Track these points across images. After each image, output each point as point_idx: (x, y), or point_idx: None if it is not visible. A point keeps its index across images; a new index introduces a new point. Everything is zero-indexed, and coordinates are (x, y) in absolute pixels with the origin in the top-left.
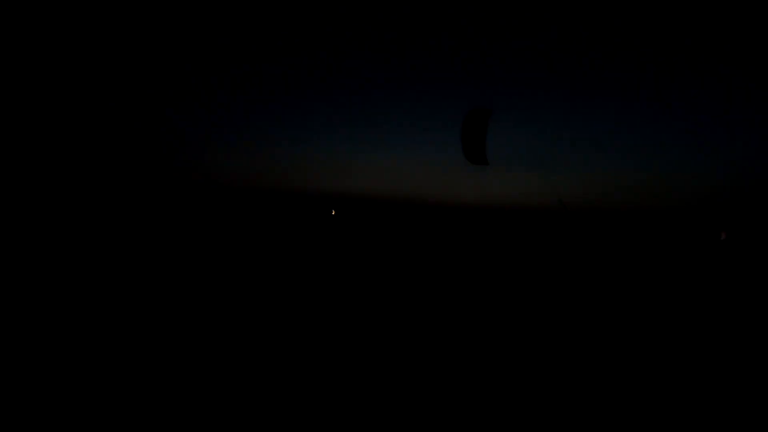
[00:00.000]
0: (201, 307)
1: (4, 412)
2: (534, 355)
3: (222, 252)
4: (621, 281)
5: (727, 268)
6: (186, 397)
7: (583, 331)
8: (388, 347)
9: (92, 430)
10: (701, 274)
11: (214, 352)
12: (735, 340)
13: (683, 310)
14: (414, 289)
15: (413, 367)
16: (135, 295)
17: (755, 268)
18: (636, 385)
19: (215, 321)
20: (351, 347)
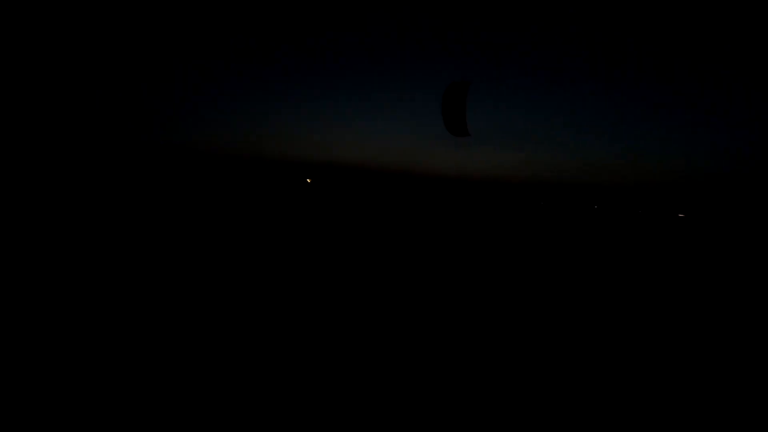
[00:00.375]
0: (184, 283)
1: (3, 412)
2: (517, 340)
3: (205, 220)
4: (597, 259)
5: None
6: (175, 380)
7: (559, 310)
8: (368, 326)
9: (92, 429)
10: (669, 252)
11: (203, 336)
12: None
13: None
14: (391, 262)
15: (394, 346)
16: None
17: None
18: (626, 376)
19: (199, 301)
20: (330, 326)
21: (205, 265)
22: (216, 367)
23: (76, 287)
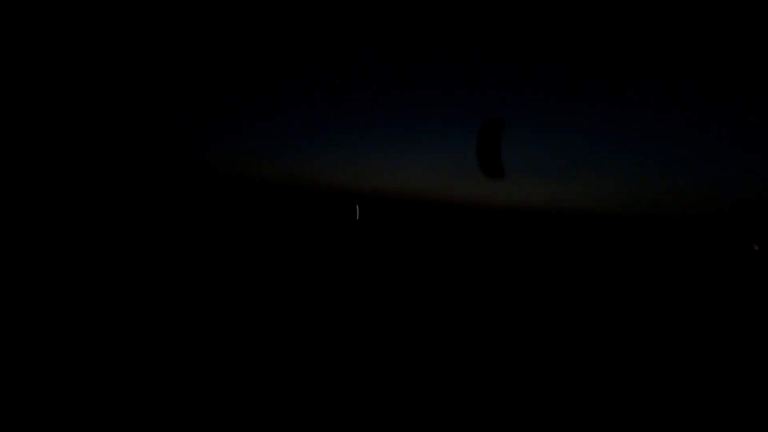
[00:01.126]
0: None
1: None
2: (537, 360)
3: (242, 249)
4: (636, 291)
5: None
6: (185, 386)
7: (591, 338)
8: (395, 347)
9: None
10: (724, 286)
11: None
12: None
13: (697, 319)
14: (423, 291)
15: (417, 367)
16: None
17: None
18: (643, 386)
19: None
20: (358, 346)
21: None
22: (227, 369)
23: (91, 285)
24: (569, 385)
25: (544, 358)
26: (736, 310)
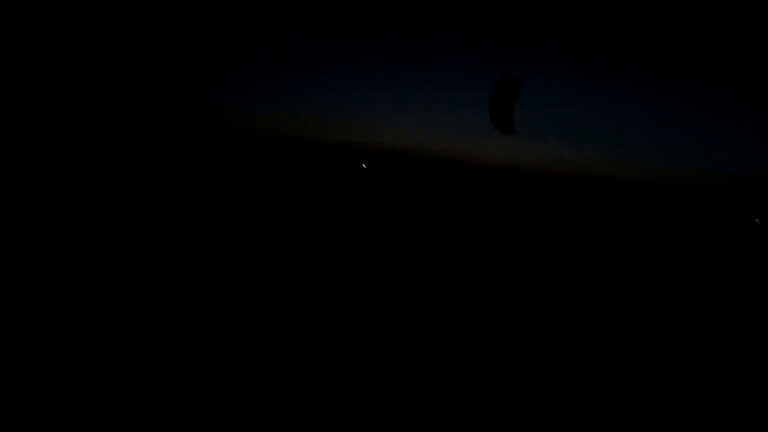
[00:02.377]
0: (225, 261)
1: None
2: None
3: (254, 199)
4: (636, 259)
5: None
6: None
7: (591, 312)
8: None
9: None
10: (727, 257)
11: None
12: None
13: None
14: (427, 249)
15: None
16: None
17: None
18: (639, 379)
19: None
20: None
21: (246, 245)
22: (231, 362)
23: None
24: (567, 345)
25: (542, 322)
26: (738, 282)
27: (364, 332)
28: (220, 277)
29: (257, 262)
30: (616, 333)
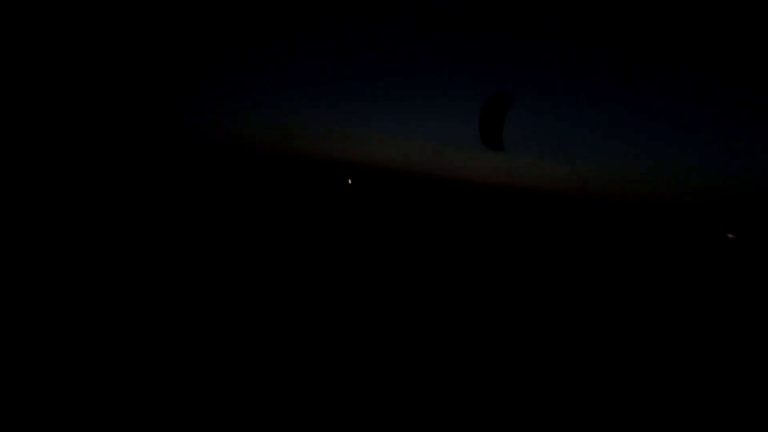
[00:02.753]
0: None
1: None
2: (533, 343)
3: (243, 214)
4: (623, 271)
5: (732, 267)
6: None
7: (582, 320)
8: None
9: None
10: (705, 270)
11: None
12: (735, 339)
13: (682, 303)
14: (416, 262)
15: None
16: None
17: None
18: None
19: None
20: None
21: (236, 259)
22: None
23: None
24: (554, 349)
25: (528, 329)
26: (715, 294)
27: (346, 349)
28: (206, 289)
29: (241, 275)
30: (604, 348)
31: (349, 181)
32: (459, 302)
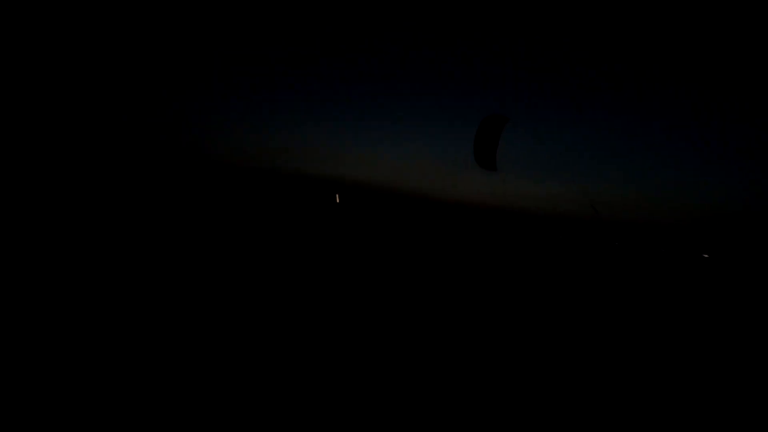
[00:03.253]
0: (205, 290)
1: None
2: (526, 358)
3: (235, 230)
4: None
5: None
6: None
7: (572, 337)
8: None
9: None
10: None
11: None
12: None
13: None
14: (405, 283)
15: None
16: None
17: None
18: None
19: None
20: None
21: (223, 278)
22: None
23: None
24: (550, 366)
25: (520, 347)
26: (692, 312)
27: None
28: (196, 301)
29: (231, 289)
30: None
31: (337, 198)
32: (445, 320)
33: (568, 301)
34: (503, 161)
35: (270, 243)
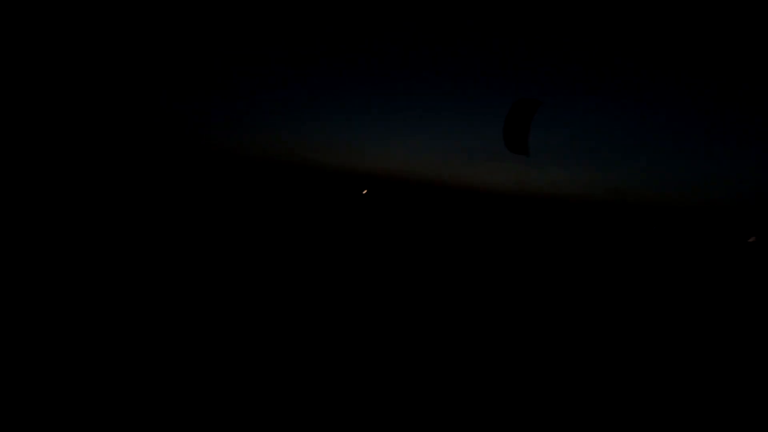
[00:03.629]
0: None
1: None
2: (538, 349)
3: (257, 226)
4: (639, 277)
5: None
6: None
7: (590, 328)
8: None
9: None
10: (723, 275)
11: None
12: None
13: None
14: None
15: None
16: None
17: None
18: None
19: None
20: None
21: (250, 271)
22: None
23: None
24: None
25: (537, 343)
26: (734, 299)
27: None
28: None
29: (258, 291)
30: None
31: (364, 192)
32: (479, 310)
33: (594, 290)
34: (534, 147)
35: (299, 237)
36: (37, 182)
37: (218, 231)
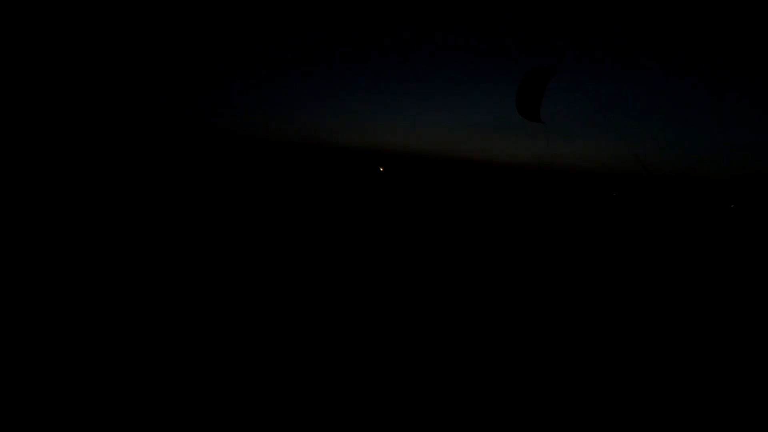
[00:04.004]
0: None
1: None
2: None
3: (272, 200)
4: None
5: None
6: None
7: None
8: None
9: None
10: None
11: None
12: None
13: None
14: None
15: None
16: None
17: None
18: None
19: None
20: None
21: (271, 248)
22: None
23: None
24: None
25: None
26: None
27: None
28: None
29: (278, 270)
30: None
31: (381, 169)
32: (499, 288)
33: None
34: (548, 114)
35: (325, 212)
36: (35, 167)
37: (245, 208)
